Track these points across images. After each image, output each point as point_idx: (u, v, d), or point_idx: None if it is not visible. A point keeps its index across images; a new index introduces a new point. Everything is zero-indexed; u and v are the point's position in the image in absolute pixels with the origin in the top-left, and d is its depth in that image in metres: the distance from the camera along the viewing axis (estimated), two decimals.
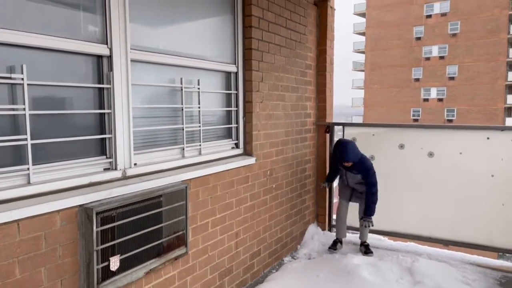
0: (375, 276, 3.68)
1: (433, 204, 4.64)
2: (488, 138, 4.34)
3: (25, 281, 2.06)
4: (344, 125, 5.16)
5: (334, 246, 4.74)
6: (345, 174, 4.59)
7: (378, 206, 4.76)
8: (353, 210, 4.72)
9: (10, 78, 2.08)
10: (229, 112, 3.83)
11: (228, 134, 3.86)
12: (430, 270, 3.86)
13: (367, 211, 4.37)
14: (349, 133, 5.07)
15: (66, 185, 2.33)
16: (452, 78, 42.63)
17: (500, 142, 4.29)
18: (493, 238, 4.39)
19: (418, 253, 4.46)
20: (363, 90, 48.75)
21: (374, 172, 4.41)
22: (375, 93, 46.20)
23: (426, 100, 44.37)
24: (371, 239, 4.87)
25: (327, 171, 5.15)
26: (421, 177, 4.69)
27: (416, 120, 43.75)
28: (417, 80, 44.93)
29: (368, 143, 4.96)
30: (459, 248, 4.58)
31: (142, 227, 2.63)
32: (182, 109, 3.21)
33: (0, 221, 1.92)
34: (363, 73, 48.88)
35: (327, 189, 5.27)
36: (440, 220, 4.61)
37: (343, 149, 4.31)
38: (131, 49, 2.70)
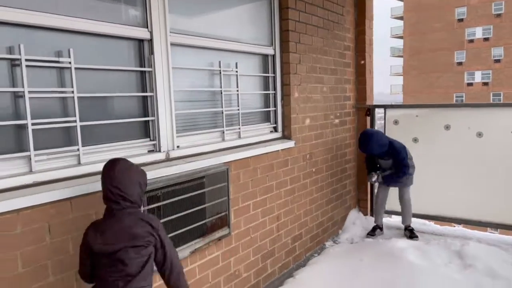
0: (422, 260, 3.57)
1: (483, 187, 4.42)
2: None
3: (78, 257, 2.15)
4: (385, 107, 5.00)
5: (373, 232, 4.63)
6: (377, 159, 4.47)
7: (423, 190, 4.62)
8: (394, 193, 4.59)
9: (58, 62, 2.16)
10: (267, 96, 3.81)
11: (266, 117, 3.84)
12: (480, 254, 3.69)
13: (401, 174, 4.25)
14: (391, 115, 4.92)
15: None
16: (497, 61, 40.38)
17: None
18: None
19: (467, 237, 4.29)
20: (401, 77, 47.21)
21: (407, 154, 4.24)
22: (415, 79, 44.58)
23: (470, 84, 42.33)
24: (416, 223, 4.73)
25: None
26: (469, 158, 4.48)
27: None
28: (460, 64, 42.91)
29: (411, 125, 4.80)
30: (511, 231, 4.36)
31: (187, 207, 2.68)
32: (221, 92, 3.22)
33: (54, 199, 2.01)
34: (401, 59, 47.28)
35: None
36: (490, 203, 4.39)
37: (367, 142, 4.17)
38: (170, 32, 2.74)
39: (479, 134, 4.39)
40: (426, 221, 4.83)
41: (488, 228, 4.74)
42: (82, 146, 2.27)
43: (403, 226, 4.60)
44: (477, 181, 4.45)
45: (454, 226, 4.72)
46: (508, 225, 4.33)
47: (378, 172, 4.47)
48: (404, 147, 4.27)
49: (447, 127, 4.57)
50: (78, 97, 2.24)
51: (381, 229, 4.68)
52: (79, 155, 2.25)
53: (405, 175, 4.27)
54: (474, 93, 41.54)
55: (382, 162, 4.42)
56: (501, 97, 40.17)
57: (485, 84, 41.33)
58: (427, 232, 4.57)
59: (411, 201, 4.47)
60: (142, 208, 2.34)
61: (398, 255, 3.61)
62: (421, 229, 4.66)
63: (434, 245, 3.89)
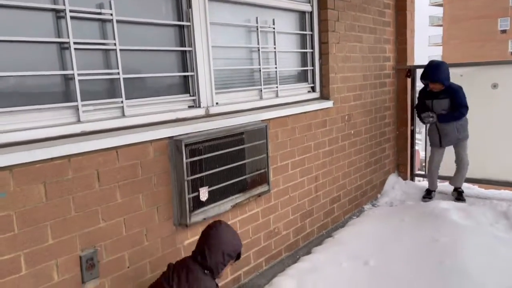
0: (467, 220, 3.46)
1: None
2: None
3: (126, 206, 2.22)
4: None
5: (429, 194, 4.45)
6: (431, 104, 4.22)
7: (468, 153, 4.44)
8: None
9: (100, 13, 2.18)
10: (304, 54, 3.73)
11: (304, 77, 3.77)
12: None
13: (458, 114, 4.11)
14: None
15: (154, 119, 2.44)
16: None
17: None
18: None
19: None
20: (441, 47, 45.12)
21: (464, 94, 4.08)
22: (455, 49, 42.47)
23: None
24: None
25: (409, 119, 4.88)
26: None
27: None
28: (503, 31, 40.47)
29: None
30: None
31: (227, 162, 2.70)
32: (258, 49, 3.18)
33: (101, 146, 2.07)
34: (441, 28, 45.08)
35: (410, 136, 4.97)
36: None
37: (435, 67, 4.05)
38: None
39: None
40: (471, 185, 4.65)
41: None
42: (126, 99, 2.31)
43: (445, 190, 4.47)
44: None
45: (501, 190, 4.52)
46: None
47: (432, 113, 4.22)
48: (461, 87, 4.12)
49: (495, 86, 4.33)
50: (120, 50, 2.26)
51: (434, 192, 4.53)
52: (123, 107, 2.29)
53: (462, 116, 4.10)
54: None
55: (436, 103, 4.16)
56: None
57: None
58: (472, 196, 4.41)
59: (468, 164, 4.28)
60: (184, 160, 2.38)
61: (442, 215, 3.52)
62: (466, 192, 4.50)
63: (480, 206, 3.77)
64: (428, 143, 4.56)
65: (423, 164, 5.19)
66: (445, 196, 4.47)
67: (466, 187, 4.61)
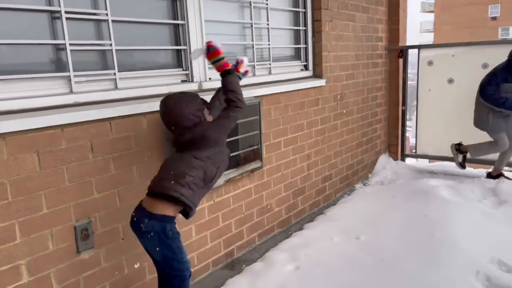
0: (456, 196, 3.53)
1: None
2: None
3: (120, 177, 2.23)
4: (419, 47, 4.84)
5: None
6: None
7: (457, 132, 4.51)
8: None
9: None
10: (297, 32, 3.72)
11: (297, 55, 3.77)
12: None
13: None
14: (426, 56, 4.75)
15: (148, 92, 2.43)
16: None
17: None
18: None
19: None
20: (432, 33, 45.17)
21: None
22: (447, 35, 42.46)
23: (504, 40, 40.20)
24: (449, 167, 4.69)
25: (401, 100, 4.92)
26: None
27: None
28: (494, 18, 40.63)
29: (447, 65, 4.63)
30: None
31: None
32: (251, 25, 3.17)
33: (94, 117, 2.06)
34: (432, 14, 45.07)
35: (401, 117, 5.01)
36: None
37: None
38: None
39: None
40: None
41: None
42: (119, 71, 2.29)
43: (434, 169, 4.54)
44: None
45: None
46: None
47: None
48: None
49: (485, 66, 4.37)
50: (113, 21, 2.24)
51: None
52: (115, 79, 2.28)
53: None
54: None
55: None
56: None
57: None
58: (460, 175, 4.49)
59: None
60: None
61: (431, 192, 3.59)
62: (454, 171, 4.58)
63: (468, 184, 3.84)
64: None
65: (413, 150, 5.25)
66: (435, 176, 4.54)
67: (454, 166, 4.68)
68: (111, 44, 2.24)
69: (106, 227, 2.18)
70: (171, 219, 1.95)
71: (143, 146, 2.33)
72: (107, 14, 2.20)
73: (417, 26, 49.28)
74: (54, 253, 1.96)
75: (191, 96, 2.07)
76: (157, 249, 1.93)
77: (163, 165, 2.06)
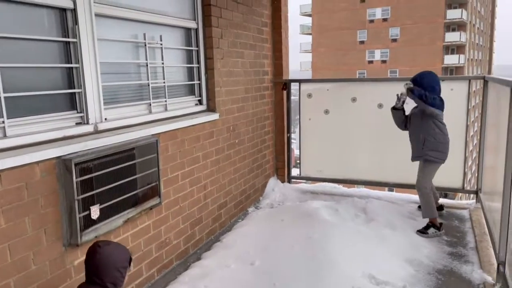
0: (334, 217, 4.03)
1: (383, 152, 5.05)
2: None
3: (10, 230, 2.13)
4: (300, 81, 5.38)
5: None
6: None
7: (333, 157, 5.12)
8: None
9: None
10: (191, 69, 3.89)
11: (191, 90, 3.94)
12: (381, 209, 4.28)
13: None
14: (305, 89, 5.32)
15: (40, 138, 2.36)
16: (394, 40, 44.09)
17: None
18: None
19: (371, 196, 4.88)
20: (310, 54, 49.31)
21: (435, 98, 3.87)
22: (323, 56, 46.90)
23: (370, 62, 45.76)
24: (327, 187, 5.28)
25: (286, 128, 5.41)
26: (372, 127, 5.06)
27: None
28: (362, 42, 45.98)
29: (323, 97, 5.24)
30: (404, 189, 5.04)
31: (118, 178, 2.72)
32: (147, 65, 3.25)
33: None
34: (310, 36, 49.25)
35: (287, 142, 5.50)
36: (389, 166, 5.03)
37: (422, 73, 4.02)
38: (94, 2, 2.69)
39: (380, 106, 4.96)
40: (336, 184, 5.37)
41: (386, 188, 5.46)
42: (8, 119, 2.19)
43: (316, 190, 5.11)
44: (378, 147, 5.06)
45: (360, 188, 5.33)
46: (402, 184, 5.00)
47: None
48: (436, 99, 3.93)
49: (354, 100, 5.08)
50: (0, 68, 2.15)
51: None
52: (4, 127, 2.18)
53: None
54: (374, 70, 45.05)
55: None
56: (397, 74, 44.14)
57: (384, 61, 45.02)
58: (337, 194, 5.11)
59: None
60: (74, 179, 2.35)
61: (314, 214, 4.03)
62: (332, 191, 5.19)
63: (343, 204, 4.40)
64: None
65: (298, 161, 5.79)
66: (317, 196, 5.09)
67: (332, 186, 5.30)
68: None
69: None
70: None
71: (36, 195, 2.26)
72: None
73: (297, 46, 53.28)
74: None
75: (124, 251, 2.16)
76: None
77: None
